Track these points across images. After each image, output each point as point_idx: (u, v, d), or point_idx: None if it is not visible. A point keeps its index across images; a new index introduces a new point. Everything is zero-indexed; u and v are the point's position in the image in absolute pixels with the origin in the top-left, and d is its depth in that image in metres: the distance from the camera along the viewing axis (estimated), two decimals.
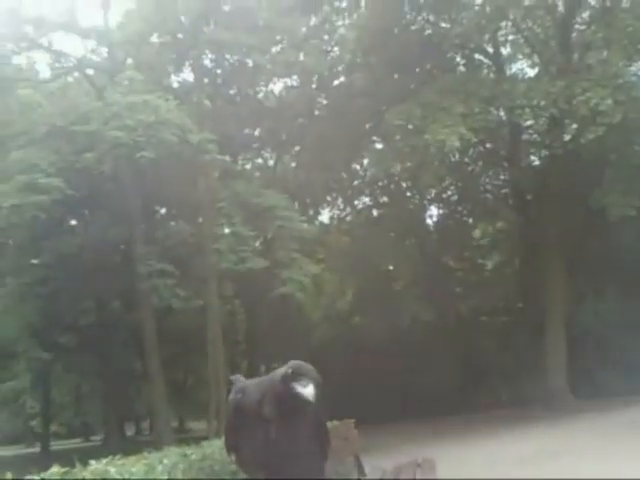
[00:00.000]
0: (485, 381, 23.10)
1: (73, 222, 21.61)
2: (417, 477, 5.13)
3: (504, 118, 19.49)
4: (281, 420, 0.86)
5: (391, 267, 23.90)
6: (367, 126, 21.69)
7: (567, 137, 18.59)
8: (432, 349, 24.11)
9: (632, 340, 21.33)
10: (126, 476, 3.99)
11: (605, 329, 21.53)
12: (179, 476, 4.42)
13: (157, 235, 18.39)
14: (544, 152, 20.99)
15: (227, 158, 17.30)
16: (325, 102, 22.98)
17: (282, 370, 0.88)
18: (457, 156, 21.19)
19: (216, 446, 5.44)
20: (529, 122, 19.70)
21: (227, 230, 16.64)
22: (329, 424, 1.25)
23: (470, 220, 25.76)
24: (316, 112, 23.10)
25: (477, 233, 27.04)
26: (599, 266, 22.28)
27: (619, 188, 16.11)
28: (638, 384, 19.96)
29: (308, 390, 0.83)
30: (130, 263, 17.68)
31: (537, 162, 22.44)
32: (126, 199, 17.68)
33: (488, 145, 21.52)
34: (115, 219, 18.15)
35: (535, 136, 21.28)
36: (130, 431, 34.22)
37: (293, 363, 0.87)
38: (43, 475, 3.80)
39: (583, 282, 22.54)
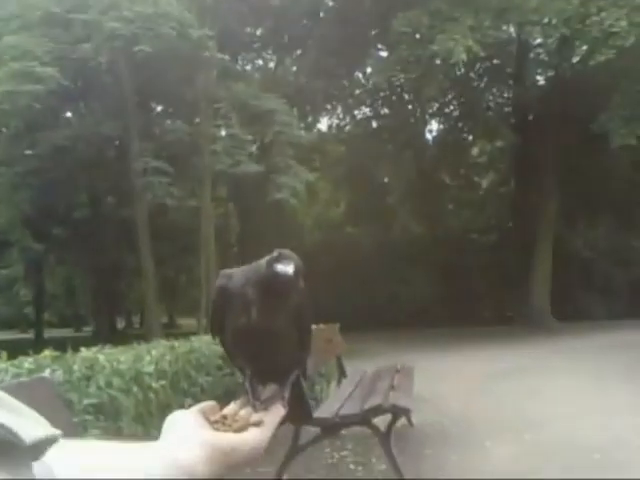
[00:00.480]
0: (470, 297, 23.61)
1: (68, 114, 21.28)
2: (395, 382, 5.34)
3: (513, 35, 18.97)
4: (263, 301, 0.90)
5: (386, 179, 23.87)
6: (373, 33, 21.07)
7: (576, 59, 18.17)
8: (420, 262, 24.52)
9: (617, 268, 21.77)
10: (114, 364, 4.15)
11: (592, 255, 21.88)
12: (166, 366, 4.60)
13: (153, 132, 18.19)
14: (551, 73, 20.57)
15: (227, 57, 16.86)
16: (331, 4, 22.20)
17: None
18: (462, 70, 20.76)
19: (204, 341, 5.63)
20: (539, 40, 19.17)
21: (224, 132, 16.47)
22: (314, 327, 1.29)
23: (470, 137, 25.53)
24: (321, 14, 22.34)
25: (475, 151, 26.88)
26: (594, 193, 22.36)
27: (624, 114, 15.90)
28: (618, 310, 20.54)
29: (288, 267, 0.87)
30: (125, 159, 17.59)
31: (542, 82, 22.01)
32: (122, 94, 17.34)
33: (495, 61, 21.02)
34: (111, 113, 17.90)
35: (543, 55, 20.77)
36: (120, 324, 35.08)
37: (279, 249, 0.90)
38: (36, 357, 3.97)
39: (576, 207, 22.67)
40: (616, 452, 5.10)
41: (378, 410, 4.46)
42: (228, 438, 0.79)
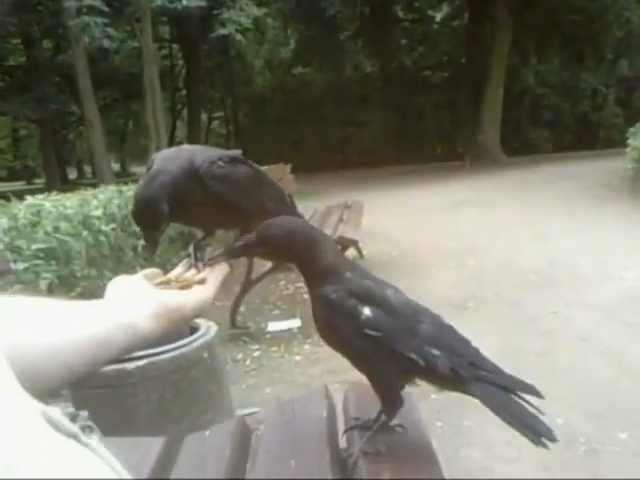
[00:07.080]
0: (422, 135, 23.70)
1: None
2: (344, 216, 5.49)
3: None
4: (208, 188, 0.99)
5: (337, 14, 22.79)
6: None
7: None
8: (373, 102, 24.24)
9: (566, 102, 21.95)
10: (60, 209, 4.13)
11: (543, 90, 21.90)
12: (114, 210, 4.60)
13: None
14: None
15: None
16: None
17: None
18: None
19: None
20: None
21: None
22: (264, 168, 1.27)
23: None
24: None
25: None
26: (546, 26, 21.91)
27: None
28: (565, 143, 20.99)
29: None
30: None
31: None
32: None
33: None
34: None
35: None
36: (72, 175, 34.43)
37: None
38: None
39: (528, 41, 22.28)
40: (550, 272, 5.46)
41: None
42: (173, 295, 0.83)
